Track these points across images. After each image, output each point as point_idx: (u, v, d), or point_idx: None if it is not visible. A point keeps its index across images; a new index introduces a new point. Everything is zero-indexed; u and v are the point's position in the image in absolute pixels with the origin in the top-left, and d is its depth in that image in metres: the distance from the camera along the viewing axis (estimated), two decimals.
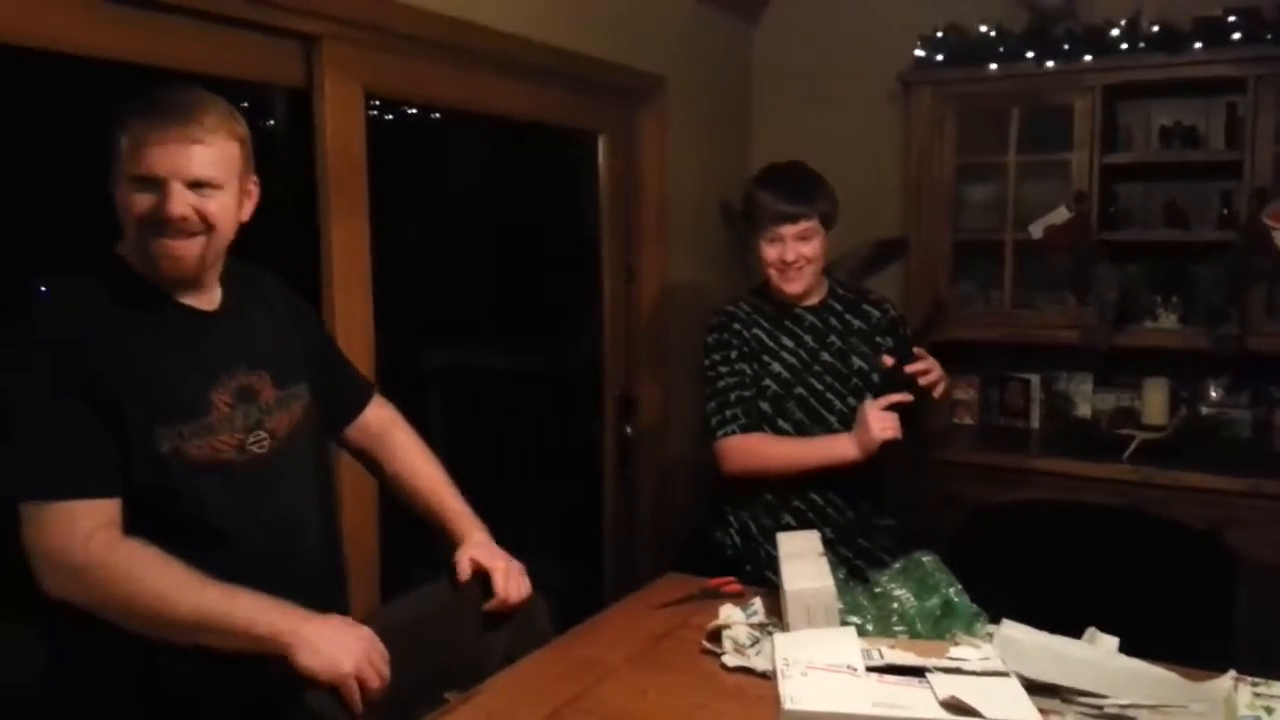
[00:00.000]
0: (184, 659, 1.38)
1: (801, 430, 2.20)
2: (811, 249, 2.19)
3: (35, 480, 1.35)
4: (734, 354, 2.23)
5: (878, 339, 2.25)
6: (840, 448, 2.11)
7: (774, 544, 2.18)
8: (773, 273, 2.21)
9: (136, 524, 1.39)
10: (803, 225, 2.16)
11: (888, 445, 2.07)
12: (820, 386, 2.20)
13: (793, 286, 2.21)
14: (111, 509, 1.38)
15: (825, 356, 2.23)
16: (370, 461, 1.83)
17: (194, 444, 1.44)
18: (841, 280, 2.40)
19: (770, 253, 2.19)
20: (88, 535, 1.34)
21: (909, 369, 2.07)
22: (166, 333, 1.46)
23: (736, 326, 2.26)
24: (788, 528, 2.14)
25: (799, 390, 2.20)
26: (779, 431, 2.20)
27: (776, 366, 2.22)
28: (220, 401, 1.48)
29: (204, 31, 2.02)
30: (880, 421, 2.05)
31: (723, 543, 2.29)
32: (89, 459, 1.37)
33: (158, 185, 1.38)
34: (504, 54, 2.68)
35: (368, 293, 2.37)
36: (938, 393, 2.14)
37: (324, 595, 1.58)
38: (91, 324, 1.39)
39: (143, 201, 1.39)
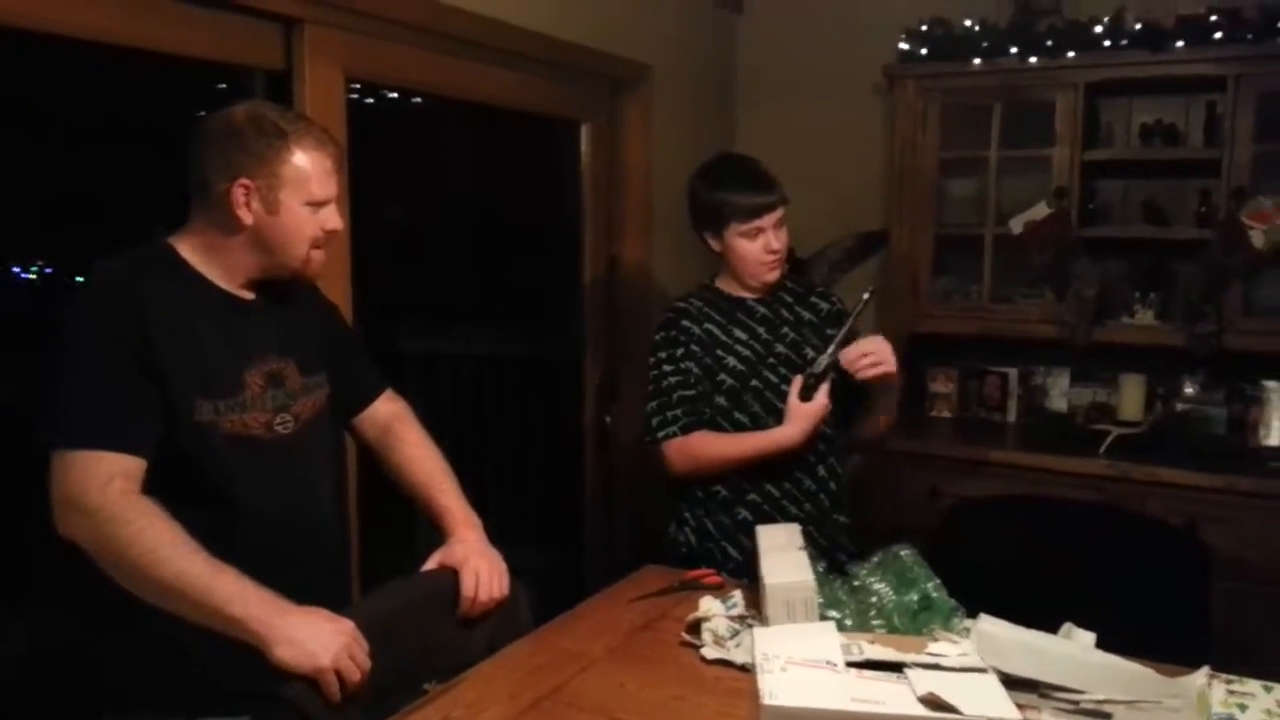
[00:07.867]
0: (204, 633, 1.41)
1: (757, 423, 2.17)
2: (784, 236, 2.20)
3: (71, 430, 1.43)
4: (680, 352, 2.21)
5: (828, 330, 2.21)
6: (777, 436, 2.12)
7: (732, 542, 2.20)
8: (755, 266, 2.19)
9: (168, 487, 1.46)
10: (779, 212, 2.17)
11: (827, 420, 2.13)
12: (775, 379, 2.18)
13: (774, 275, 2.22)
14: (135, 465, 1.45)
15: (779, 348, 2.21)
16: (375, 452, 1.88)
17: (228, 418, 1.55)
18: (787, 274, 2.40)
19: (753, 247, 2.17)
20: (106, 480, 1.41)
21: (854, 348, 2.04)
22: (210, 316, 1.57)
23: (686, 323, 2.23)
24: (745, 524, 2.13)
25: (754, 383, 2.18)
26: (735, 425, 2.18)
27: (731, 360, 2.19)
28: (253, 382, 1.59)
29: (183, 13, 2.00)
30: (807, 403, 2.08)
31: (677, 540, 2.27)
32: (124, 416, 1.45)
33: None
34: (487, 40, 2.66)
35: (348, 278, 2.35)
36: (873, 373, 2.05)
37: (331, 572, 1.71)
38: (149, 299, 1.50)
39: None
